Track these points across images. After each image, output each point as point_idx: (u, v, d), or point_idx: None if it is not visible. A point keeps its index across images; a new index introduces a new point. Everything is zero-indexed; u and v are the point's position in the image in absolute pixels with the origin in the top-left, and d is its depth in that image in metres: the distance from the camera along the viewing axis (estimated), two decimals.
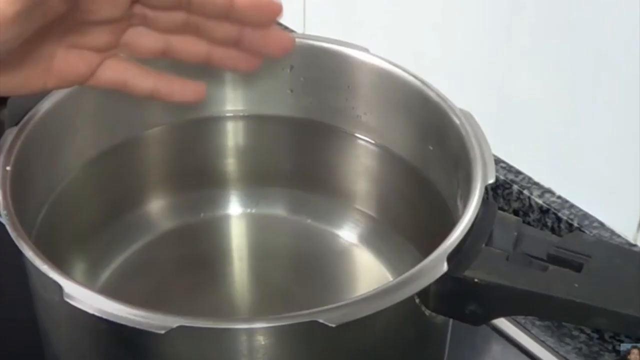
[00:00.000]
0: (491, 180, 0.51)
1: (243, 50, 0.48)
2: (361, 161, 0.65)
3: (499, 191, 0.71)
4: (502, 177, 0.71)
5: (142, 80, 0.49)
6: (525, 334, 0.65)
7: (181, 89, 0.50)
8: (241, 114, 0.65)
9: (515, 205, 0.70)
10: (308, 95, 0.64)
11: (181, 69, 0.49)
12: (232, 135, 0.66)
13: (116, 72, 0.48)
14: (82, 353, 0.50)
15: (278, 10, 0.46)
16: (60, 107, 0.57)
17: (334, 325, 0.43)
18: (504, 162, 0.72)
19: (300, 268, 0.65)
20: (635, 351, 0.62)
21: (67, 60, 0.46)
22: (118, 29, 0.47)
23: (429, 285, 0.46)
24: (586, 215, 0.67)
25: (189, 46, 0.48)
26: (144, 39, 0.48)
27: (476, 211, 0.49)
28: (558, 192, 0.69)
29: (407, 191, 0.63)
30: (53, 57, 0.46)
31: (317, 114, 0.64)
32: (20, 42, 0.42)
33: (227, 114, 0.65)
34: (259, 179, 0.67)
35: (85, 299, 0.44)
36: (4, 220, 0.48)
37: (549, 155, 0.70)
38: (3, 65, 0.43)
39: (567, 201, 0.68)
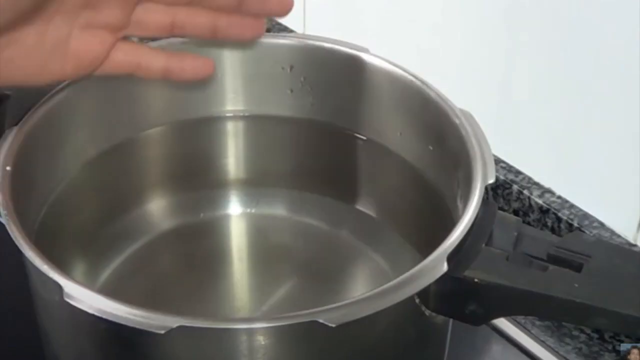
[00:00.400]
0: (491, 180, 0.51)
1: (246, 16, 0.49)
2: (361, 161, 0.65)
3: (499, 191, 0.71)
4: (502, 177, 0.71)
5: (154, 59, 0.51)
6: (525, 334, 0.65)
7: (193, 63, 0.52)
8: (241, 114, 0.65)
9: (515, 205, 0.70)
10: (308, 95, 0.64)
11: None
12: (232, 135, 0.66)
13: (128, 53, 0.50)
14: (82, 353, 0.50)
15: None
16: (60, 107, 0.57)
17: (334, 325, 0.43)
18: (504, 162, 0.72)
19: (300, 268, 0.65)
20: (635, 351, 0.62)
21: (82, 40, 0.48)
22: (128, 4, 0.48)
23: (429, 285, 0.46)
24: (586, 215, 0.67)
25: (195, 18, 0.50)
26: (152, 15, 0.50)
27: (476, 211, 0.49)
28: (558, 192, 0.69)
29: (407, 191, 0.63)
30: (69, 38, 0.47)
31: (317, 114, 0.64)
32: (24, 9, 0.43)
33: (227, 114, 0.65)
34: (259, 179, 0.67)
35: (85, 298, 0.44)
36: (4, 220, 0.48)
37: (549, 155, 0.70)
38: (23, 48, 0.44)
39: (567, 201, 0.68)
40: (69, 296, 0.44)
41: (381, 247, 0.64)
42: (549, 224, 0.68)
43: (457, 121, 0.55)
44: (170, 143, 0.66)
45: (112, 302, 0.44)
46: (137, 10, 0.49)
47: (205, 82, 0.55)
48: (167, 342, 0.45)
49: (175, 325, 0.43)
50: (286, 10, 0.50)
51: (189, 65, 0.52)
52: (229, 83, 0.64)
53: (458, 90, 0.58)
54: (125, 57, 0.50)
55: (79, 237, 0.61)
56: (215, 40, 0.53)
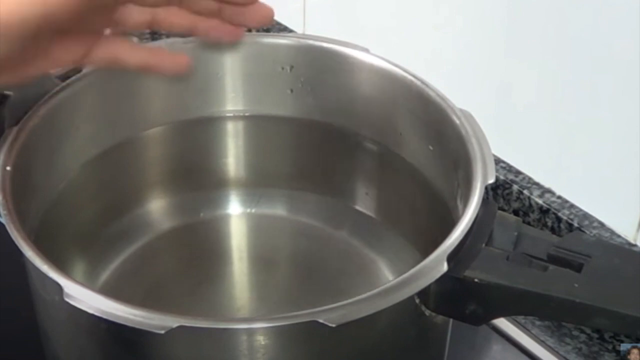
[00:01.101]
0: (491, 180, 0.51)
1: (225, 22, 0.51)
2: (361, 161, 0.65)
3: (499, 191, 0.71)
4: (502, 177, 0.71)
5: (133, 53, 0.52)
6: (525, 334, 0.65)
7: (171, 59, 0.53)
8: (241, 114, 0.65)
9: (515, 205, 0.70)
10: (308, 95, 0.64)
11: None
12: (232, 135, 0.66)
13: (108, 49, 0.51)
14: (82, 353, 0.50)
15: None
16: (60, 107, 0.57)
17: (334, 325, 0.43)
18: (504, 162, 0.72)
19: (300, 268, 0.65)
20: (635, 351, 0.62)
21: (64, 43, 0.48)
22: (110, 11, 0.50)
23: (429, 285, 0.46)
24: (586, 215, 0.67)
25: (173, 17, 0.52)
26: (131, 14, 0.51)
27: (476, 211, 0.49)
28: (558, 192, 0.69)
29: (407, 191, 0.63)
30: (52, 42, 0.47)
31: (317, 114, 0.64)
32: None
33: (227, 114, 0.65)
34: (259, 179, 0.67)
35: (85, 298, 0.44)
36: (4, 220, 0.48)
37: (549, 155, 0.70)
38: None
39: (567, 201, 0.68)
40: (69, 296, 0.44)
41: (381, 247, 0.64)
42: (549, 224, 0.68)
43: (457, 121, 0.55)
44: (170, 143, 0.66)
45: (112, 302, 0.44)
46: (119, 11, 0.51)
47: (186, 76, 0.58)
48: (167, 342, 0.45)
49: (175, 325, 0.43)
50: (265, 20, 0.51)
51: (167, 60, 0.53)
52: (229, 83, 0.64)
53: (458, 90, 0.58)
54: (104, 53, 0.51)
55: (79, 237, 0.61)
56: (210, 42, 0.55)
